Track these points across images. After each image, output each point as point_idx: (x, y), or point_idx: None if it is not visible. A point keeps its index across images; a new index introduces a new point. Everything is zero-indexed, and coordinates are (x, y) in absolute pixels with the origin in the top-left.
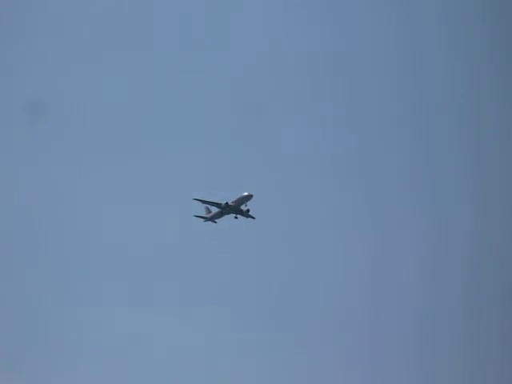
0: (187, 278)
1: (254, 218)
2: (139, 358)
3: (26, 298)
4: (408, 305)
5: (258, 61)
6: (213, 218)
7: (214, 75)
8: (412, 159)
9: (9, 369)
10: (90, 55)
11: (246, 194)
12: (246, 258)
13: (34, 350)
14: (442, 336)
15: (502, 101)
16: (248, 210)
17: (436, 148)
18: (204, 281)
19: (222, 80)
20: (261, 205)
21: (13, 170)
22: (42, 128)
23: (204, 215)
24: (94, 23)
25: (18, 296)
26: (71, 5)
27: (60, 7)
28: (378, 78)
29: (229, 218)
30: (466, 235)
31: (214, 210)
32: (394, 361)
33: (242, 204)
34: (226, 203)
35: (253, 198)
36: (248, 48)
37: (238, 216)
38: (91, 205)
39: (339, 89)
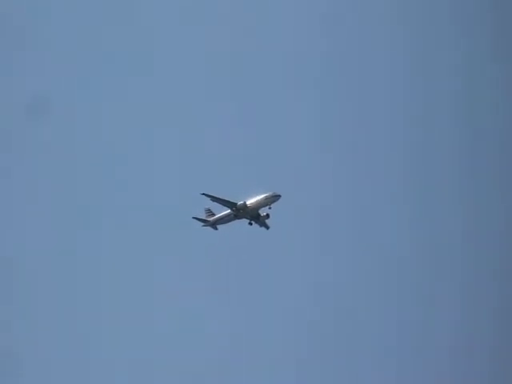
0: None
1: (268, 227)
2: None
3: None
4: None
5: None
6: (217, 223)
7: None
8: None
9: None
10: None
11: (269, 194)
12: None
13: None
14: None
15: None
16: (267, 216)
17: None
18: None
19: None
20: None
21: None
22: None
23: (204, 217)
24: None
25: None
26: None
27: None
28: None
29: (234, 225)
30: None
31: (222, 212)
32: None
33: (264, 206)
34: (244, 203)
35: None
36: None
37: (253, 222)
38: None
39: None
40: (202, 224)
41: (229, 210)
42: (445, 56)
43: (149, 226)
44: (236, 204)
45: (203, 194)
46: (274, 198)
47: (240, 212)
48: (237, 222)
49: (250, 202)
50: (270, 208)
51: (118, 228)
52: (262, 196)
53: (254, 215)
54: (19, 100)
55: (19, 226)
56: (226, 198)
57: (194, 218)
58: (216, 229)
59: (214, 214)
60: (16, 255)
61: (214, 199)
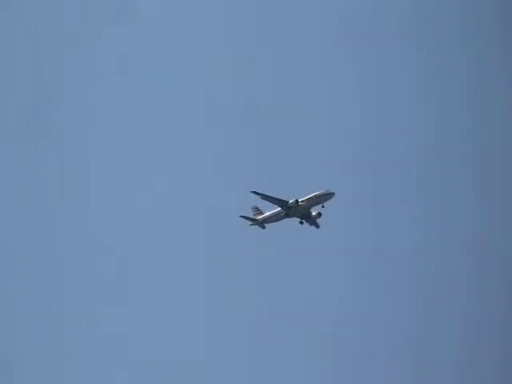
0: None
1: (318, 226)
2: None
3: None
4: None
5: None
6: (265, 221)
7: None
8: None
9: None
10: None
11: (322, 191)
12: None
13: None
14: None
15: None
16: (319, 215)
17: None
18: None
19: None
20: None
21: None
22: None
23: (252, 216)
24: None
25: None
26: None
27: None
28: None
29: (282, 223)
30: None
31: (272, 210)
32: None
33: (317, 205)
34: (296, 201)
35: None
36: None
37: (304, 221)
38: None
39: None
40: (250, 223)
41: (279, 209)
42: (452, 55)
43: (188, 227)
44: (287, 202)
45: (253, 191)
46: (327, 196)
47: (291, 210)
48: (285, 220)
49: (301, 199)
50: (323, 206)
51: (135, 225)
52: (314, 194)
53: (305, 214)
54: (19, 100)
55: (19, 225)
56: (277, 196)
57: (241, 216)
58: (264, 227)
59: (262, 213)
60: (15, 255)
61: (264, 197)
